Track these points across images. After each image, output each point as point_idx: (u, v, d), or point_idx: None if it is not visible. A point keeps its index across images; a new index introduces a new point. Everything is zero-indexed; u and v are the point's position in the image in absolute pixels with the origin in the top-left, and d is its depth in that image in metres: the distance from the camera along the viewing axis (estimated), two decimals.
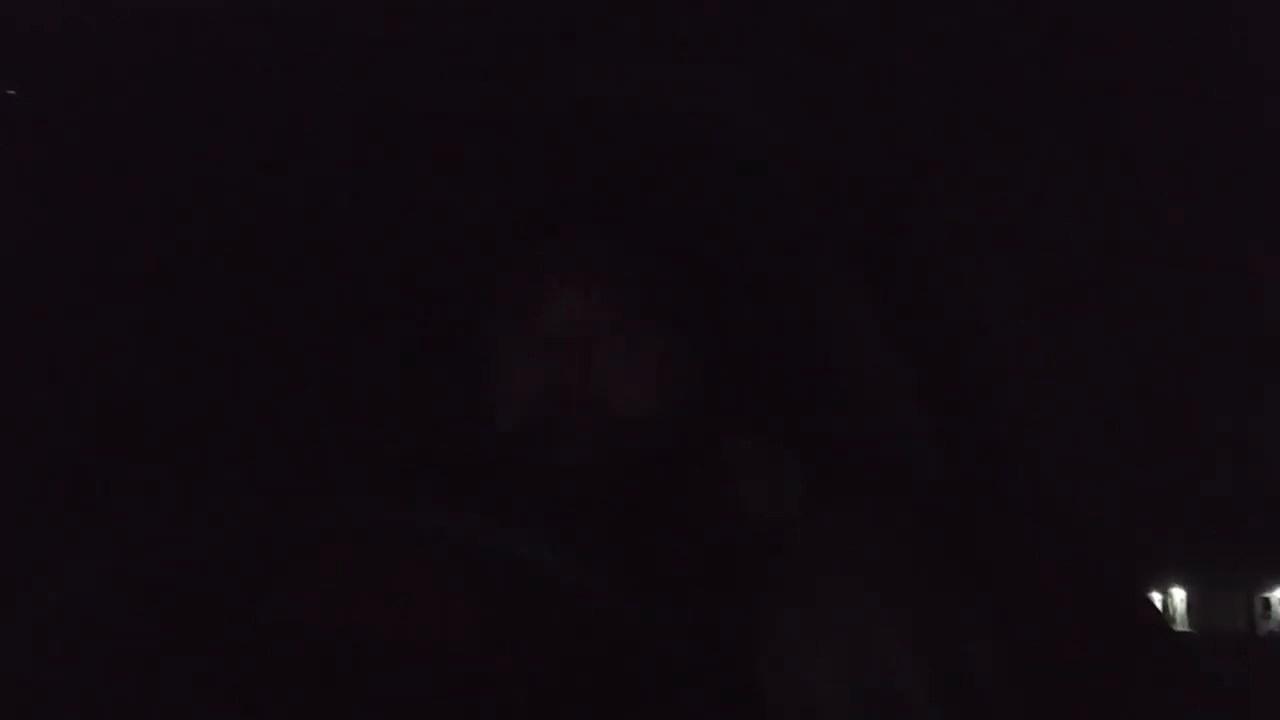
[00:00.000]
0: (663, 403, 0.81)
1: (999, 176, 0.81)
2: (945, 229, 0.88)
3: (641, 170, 0.90)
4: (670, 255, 0.87)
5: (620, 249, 0.83)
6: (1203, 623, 0.77)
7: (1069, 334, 0.78)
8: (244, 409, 0.95)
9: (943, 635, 0.44)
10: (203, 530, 0.53)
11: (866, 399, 0.95)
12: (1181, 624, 0.77)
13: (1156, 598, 0.70)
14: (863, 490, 0.52)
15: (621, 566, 0.51)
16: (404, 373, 0.98)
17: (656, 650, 0.50)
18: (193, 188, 0.87)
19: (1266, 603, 0.74)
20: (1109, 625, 0.55)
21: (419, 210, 0.95)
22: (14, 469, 0.81)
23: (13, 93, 0.73)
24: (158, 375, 0.92)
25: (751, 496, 0.80)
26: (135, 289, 0.90)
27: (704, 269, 0.90)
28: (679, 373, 0.85)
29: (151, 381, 0.92)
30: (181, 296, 0.93)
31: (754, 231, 0.96)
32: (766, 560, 0.73)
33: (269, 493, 0.55)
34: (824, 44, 0.75)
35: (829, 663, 0.44)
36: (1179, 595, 0.77)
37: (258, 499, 0.54)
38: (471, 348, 0.86)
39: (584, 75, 0.81)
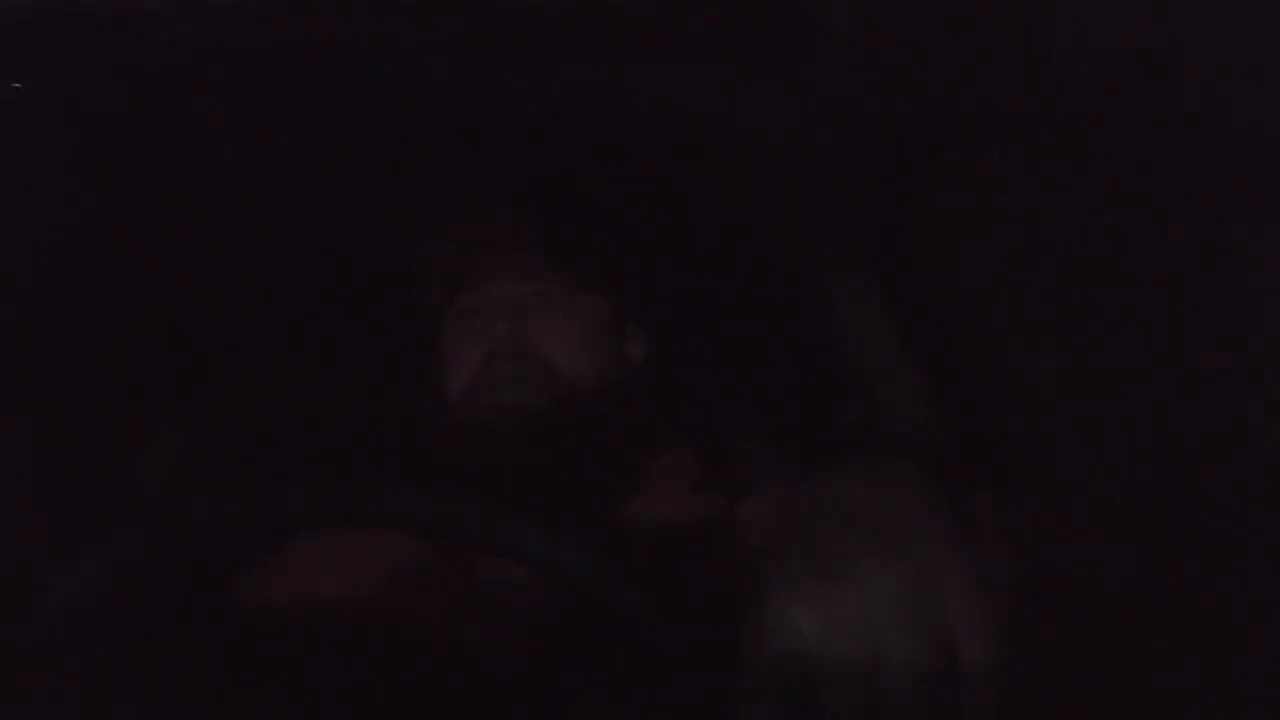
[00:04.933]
0: (598, 365, 0.83)
1: (1003, 162, 0.81)
2: (943, 209, 0.89)
3: (614, 151, 0.91)
4: (614, 224, 0.89)
5: (564, 224, 0.86)
6: None
7: (1072, 311, 0.79)
8: (197, 393, 0.96)
9: (935, 606, 0.43)
10: (179, 520, 0.53)
11: (862, 374, 0.96)
12: None
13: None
14: (849, 457, 0.52)
15: (578, 527, 0.51)
16: (349, 347, 0.99)
17: (622, 614, 0.50)
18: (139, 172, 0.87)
19: None
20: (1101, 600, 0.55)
21: (364, 187, 0.96)
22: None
23: (18, 85, 0.73)
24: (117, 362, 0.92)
25: (753, 479, 0.80)
26: (98, 281, 0.90)
27: (661, 240, 0.91)
28: (617, 340, 0.87)
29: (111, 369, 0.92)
30: (136, 284, 0.93)
31: (763, 219, 0.97)
32: (727, 526, 0.74)
33: (232, 481, 0.55)
34: (826, 32, 0.75)
35: (817, 633, 0.43)
36: None
37: (220, 488, 0.55)
38: (416, 320, 0.88)
39: (560, 61, 0.82)
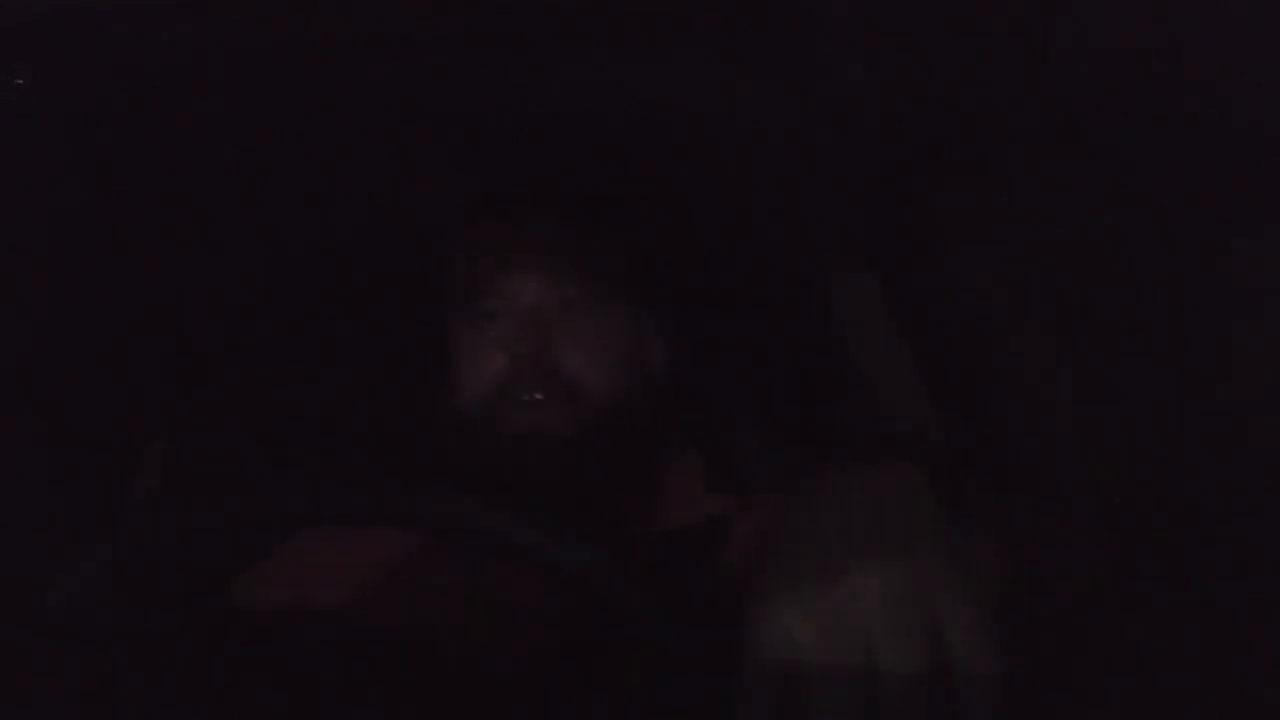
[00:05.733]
0: (622, 377, 0.82)
1: (1003, 162, 0.81)
2: (943, 209, 0.89)
3: (615, 151, 0.90)
4: (635, 235, 0.87)
5: (585, 228, 0.84)
6: None
7: (1072, 311, 0.79)
8: (210, 394, 0.96)
9: (930, 609, 0.42)
10: (175, 518, 0.53)
11: (863, 374, 0.96)
12: None
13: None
14: (849, 457, 0.52)
15: (586, 536, 0.51)
16: (365, 353, 0.98)
17: (624, 615, 0.50)
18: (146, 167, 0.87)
19: None
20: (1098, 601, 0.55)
21: (383, 192, 0.96)
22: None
23: (20, 82, 0.73)
24: (128, 361, 0.93)
25: (754, 482, 0.80)
26: (99, 279, 0.90)
27: (675, 248, 0.91)
28: (642, 351, 0.86)
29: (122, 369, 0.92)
30: (136, 284, 0.93)
31: (767, 221, 0.97)
32: (728, 527, 0.73)
33: (239, 479, 0.54)
34: (826, 30, 0.75)
35: (815, 633, 0.43)
36: None
37: (225, 486, 0.54)
38: (434, 327, 0.87)
39: (561, 60, 0.82)
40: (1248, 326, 0.61)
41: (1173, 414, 0.68)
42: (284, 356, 1.00)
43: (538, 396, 0.78)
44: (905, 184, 0.89)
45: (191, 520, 0.54)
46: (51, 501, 0.81)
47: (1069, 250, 0.77)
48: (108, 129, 0.81)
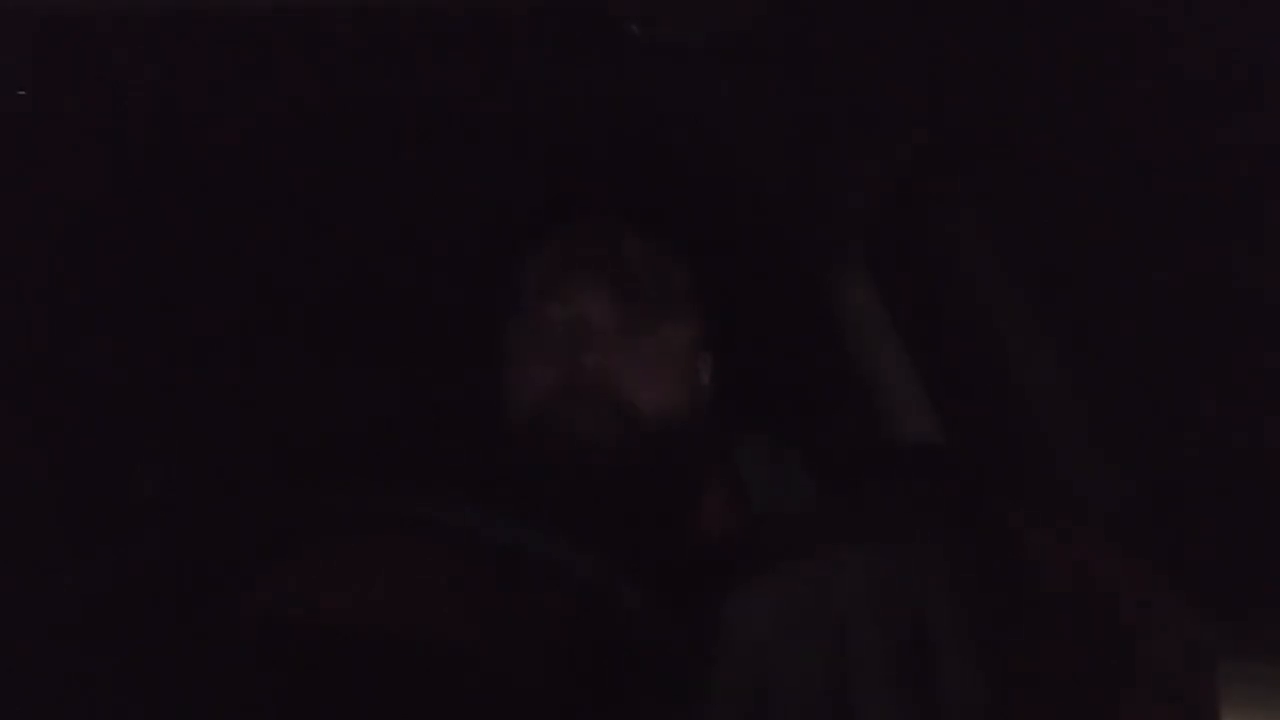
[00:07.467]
0: (676, 399, 0.81)
1: (1007, 168, 0.81)
2: (955, 219, 0.89)
3: (660, 168, 0.90)
4: (689, 253, 0.87)
5: (641, 245, 0.84)
6: None
7: (1074, 314, 0.79)
8: (251, 396, 0.96)
9: (911, 602, 0.41)
10: (197, 522, 0.53)
11: (877, 389, 0.95)
12: None
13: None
14: (870, 479, 0.51)
15: (625, 560, 0.51)
16: (415, 362, 0.98)
17: (658, 644, 0.49)
18: (198, 176, 0.87)
19: None
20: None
21: (439, 201, 0.95)
22: (10, 469, 0.81)
23: (22, 92, 0.73)
24: (153, 365, 0.92)
25: (760, 491, 0.80)
26: (134, 281, 0.90)
27: (720, 266, 0.90)
28: (694, 369, 0.85)
29: (146, 372, 0.92)
30: (185, 286, 0.93)
31: (770, 228, 0.97)
32: (769, 554, 0.73)
33: (267, 483, 0.54)
34: (833, 38, 0.75)
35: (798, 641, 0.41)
36: None
37: (255, 489, 0.54)
38: (486, 339, 0.86)
39: (600, 73, 0.81)
40: (1249, 328, 0.61)
41: (1174, 415, 0.68)
42: (299, 359, 1.00)
43: (589, 413, 0.76)
44: (907, 187, 0.89)
45: (197, 524, 0.54)
46: (54, 503, 0.81)
47: (1071, 250, 0.77)
48: (111, 133, 0.81)
